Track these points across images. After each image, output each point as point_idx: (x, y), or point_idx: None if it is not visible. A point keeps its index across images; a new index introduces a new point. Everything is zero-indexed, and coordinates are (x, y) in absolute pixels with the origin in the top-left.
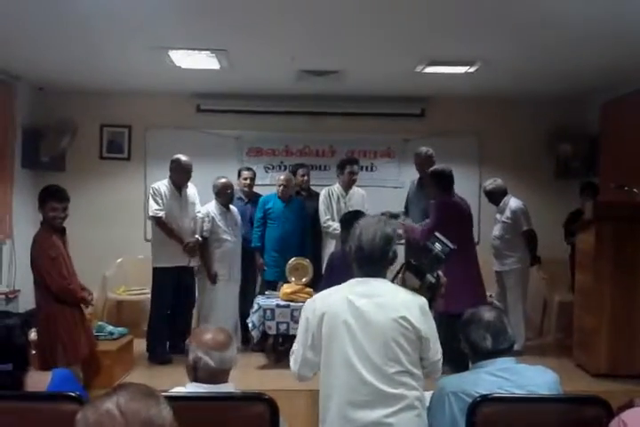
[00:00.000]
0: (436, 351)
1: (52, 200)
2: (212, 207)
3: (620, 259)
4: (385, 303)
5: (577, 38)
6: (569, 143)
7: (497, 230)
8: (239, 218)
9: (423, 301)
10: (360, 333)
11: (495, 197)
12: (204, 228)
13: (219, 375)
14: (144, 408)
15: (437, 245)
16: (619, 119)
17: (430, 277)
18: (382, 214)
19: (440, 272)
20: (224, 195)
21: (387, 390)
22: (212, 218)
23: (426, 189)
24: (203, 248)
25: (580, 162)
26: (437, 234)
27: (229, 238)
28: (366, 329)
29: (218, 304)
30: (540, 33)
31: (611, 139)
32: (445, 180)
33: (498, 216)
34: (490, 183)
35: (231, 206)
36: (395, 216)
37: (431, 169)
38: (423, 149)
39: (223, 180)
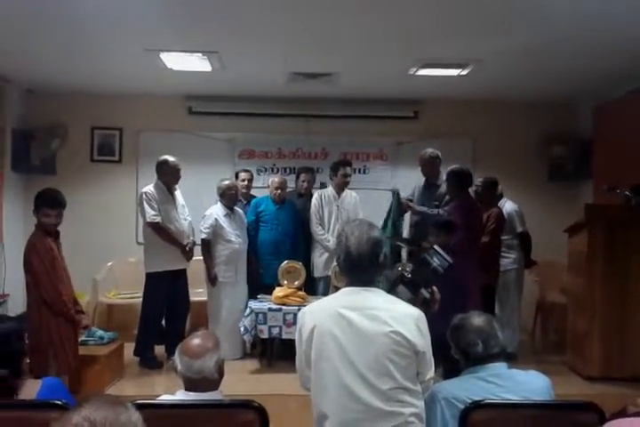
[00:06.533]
0: (430, 366)
1: (45, 206)
2: (216, 209)
3: (611, 262)
4: (377, 317)
5: (570, 42)
6: (562, 146)
7: None
8: (245, 219)
9: (418, 313)
10: (351, 348)
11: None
12: (206, 229)
13: (203, 384)
14: (113, 415)
15: (436, 259)
16: (611, 122)
17: (425, 292)
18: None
19: (434, 287)
20: (228, 196)
21: (381, 408)
22: (216, 220)
23: (448, 187)
24: (204, 250)
25: (573, 165)
26: (436, 247)
27: (235, 240)
28: (357, 344)
29: (226, 306)
30: (532, 36)
31: (604, 142)
32: (465, 179)
33: None
34: None
35: (236, 208)
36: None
37: (451, 168)
38: (428, 150)
39: (227, 181)
